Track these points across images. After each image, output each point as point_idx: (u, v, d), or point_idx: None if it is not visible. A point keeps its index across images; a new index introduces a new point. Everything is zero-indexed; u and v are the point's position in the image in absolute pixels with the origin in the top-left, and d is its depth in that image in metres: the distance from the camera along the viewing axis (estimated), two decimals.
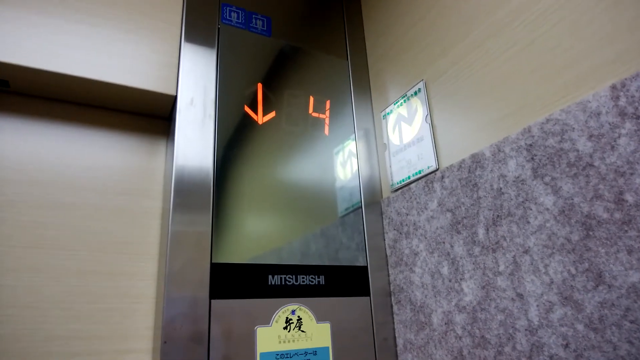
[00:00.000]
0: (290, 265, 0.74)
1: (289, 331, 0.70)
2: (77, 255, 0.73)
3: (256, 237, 0.74)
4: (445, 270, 0.68)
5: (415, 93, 0.81)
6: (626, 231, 0.44)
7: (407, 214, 0.78)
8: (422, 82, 0.79)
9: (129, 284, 0.75)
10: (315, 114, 0.88)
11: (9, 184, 0.71)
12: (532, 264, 0.54)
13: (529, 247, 0.55)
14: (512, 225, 0.57)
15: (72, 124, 0.79)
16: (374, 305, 0.79)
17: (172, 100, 0.79)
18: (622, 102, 0.46)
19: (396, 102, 0.86)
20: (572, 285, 0.49)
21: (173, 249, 0.65)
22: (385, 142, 0.88)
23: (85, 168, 0.78)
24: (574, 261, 0.49)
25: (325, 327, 0.73)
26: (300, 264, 0.75)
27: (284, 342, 0.69)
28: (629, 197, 0.44)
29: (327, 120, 0.89)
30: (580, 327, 0.48)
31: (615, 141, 0.46)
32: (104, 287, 0.73)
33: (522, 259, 0.56)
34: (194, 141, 0.72)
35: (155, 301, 0.75)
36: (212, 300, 0.65)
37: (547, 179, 0.53)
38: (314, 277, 0.76)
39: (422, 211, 0.75)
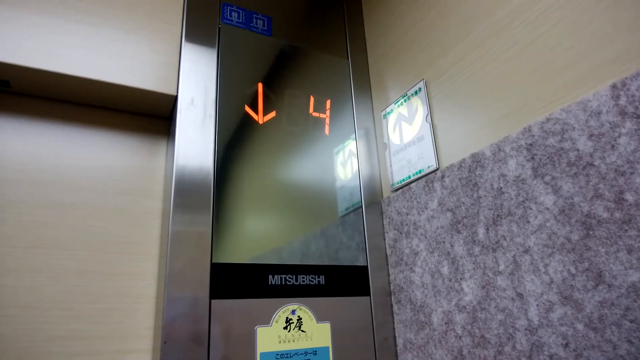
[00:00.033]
0: (291, 265, 0.74)
1: (289, 331, 0.70)
2: (77, 255, 0.73)
3: (256, 237, 0.74)
4: (445, 269, 0.68)
5: (416, 92, 0.81)
6: (626, 230, 0.44)
7: (408, 214, 0.78)
8: (422, 81, 0.79)
9: (130, 284, 0.75)
10: (315, 114, 0.88)
11: (9, 184, 0.71)
12: (532, 263, 0.54)
13: (529, 246, 0.55)
14: (512, 224, 0.57)
15: (72, 124, 0.79)
16: (374, 305, 0.79)
17: (172, 100, 0.79)
18: (623, 101, 0.46)
19: (396, 102, 0.86)
20: (572, 285, 0.49)
21: (173, 249, 0.65)
22: (386, 141, 0.88)
23: (86, 168, 0.78)
24: (574, 261, 0.49)
25: (326, 327, 0.73)
26: (300, 263, 0.75)
27: (284, 342, 0.69)
28: (629, 197, 0.44)
29: (327, 120, 0.89)
30: (580, 326, 0.48)
31: (615, 140, 0.46)
32: (104, 287, 0.73)
33: (522, 258, 0.56)
34: (195, 141, 0.72)
35: (155, 301, 0.75)
36: (213, 300, 0.65)
37: (547, 178, 0.53)
38: (314, 277, 0.76)
39: (423, 211, 0.75)
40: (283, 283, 0.73)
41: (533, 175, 0.55)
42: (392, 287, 0.81)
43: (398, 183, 0.82)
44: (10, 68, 0.67)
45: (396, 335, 0.79)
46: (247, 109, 0.81)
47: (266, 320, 0.69)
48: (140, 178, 0.82)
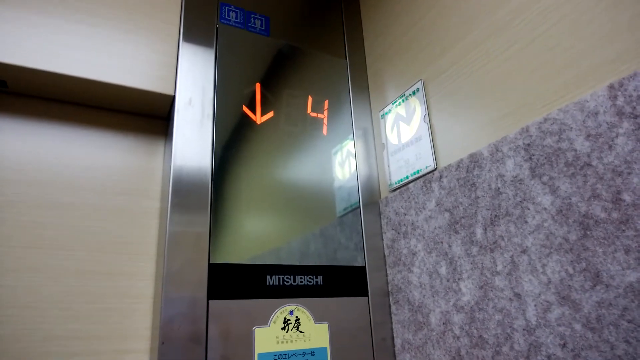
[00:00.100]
0: (289, 266, 0.74)
1: (287, 331, 0.70)
2: (75, 255, 0.73)
3: (254, 237, 0.74)
4: (443, 270, 0.68)
5: (414, 93, 0.81)
6: (623, 231, 0.44)
7: (405, 214, 0.78)
8: (420, 81, 0.79)
9: (128, 284, 0.75)
10: (313, 114, 0.88)
11: (8, 184, 0.71)
12: (529, 263, 0.54)
13: (526, 246, 0.55)
14: (510, 225, 0.57)
15: (70, 124, 0.79)
16: (372, 306, 0.79)
17: (170, 101, 0.79)
18: (620, 101, 0.46)
19: (394, 102, 0.86)
20: (569, 285, 0.49)
21: (171, 249, 0.65)
22: (384, 141, 0.88)
23: (84, 168, 0.78)
24: (571, 261, 0.49)
25: (324, 328, 0.73)
26: (298, 264, 0.75)
27: (282, 342, 0.69)
28: (627, 197, 0.44)
29: (325, 120, 0.89)
30: (577, 326, 0.48)
31: (612, 141, 0.46)
32: (102, 287, 0.73)
33: (519, 258, 0.55)
34: (192, 141, 0.72)
35: (153, 301, 0.75)
36: (210, 301, 0.65)
37: (544, 178, 0.53)
38: (312, 277, 0.75)
39: (420, 211, 0.74)
40: (281, 283, 0.72)
41: (531, 175, 0.55)
42: (390, 288, 0.81)
43: (396, 183, 0.82)
44: (8, 68, 0.67)
45: (394, 335, 0.78)
46: (245, 109, 0.81)
47: (264, 321, 0.69)
48: (139, 178, 0.82)
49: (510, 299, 0.56)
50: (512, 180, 0.58)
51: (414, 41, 0.83)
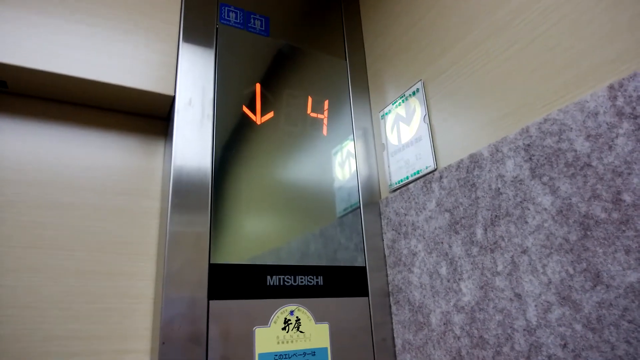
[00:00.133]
0: (289, 266, 0.74)
1: (287, 332, 0.70)
2: (75, 255, 0.73)
3: (255, 237, 0.73)
4: (443, 270, 0.68)
5: (414, 93, 0.81)
6: (624, 231, 0.44)
7: (406, 214, 0.78)
8: (420, 82, 0.79)
9: (128, 284, 0.75)
10: (313, 114, 0.88)
11: (8, 184, 0.71)
12: (530, 264, 0.54)
13: (527, 247, 0.55)
14: (510, 225, 0.57)
15: (70, 125, 0.79)
16: (372, 306, 0.79)
17: (170, 101, 0.79)
18: (620, 102, 0.46)
19: (394, 102, 0.86)
20: (570, 285, 0.49)
21: (171, 249, 0.65)
22: (384, 142, 0.88)
23: (84, 168, 0.78)
24: (572, 261, 0.49)
25: (324, 328, 0.73)
26: (298, 264, 0.75)
27: (283, 342, 0.69)
28: (627, 197, 0.44)
29: (325, 121, 0.89)
30: (578, 327, 0.48)
31: (612, 141, 0.46)
32: (102, 287, 0.73)
33: (520, 259, 0.55)
34: (192, 141, 0.72)
35: (154, 302, 0.75)
36: (211, 301, 0.65)
37: (545, 179, 0.53)
38: (312, 277, 0.75)
39: (421, 211, 0.74)
40: (281, 284, 0.72)
41: (531, 175, 0.55)
42: (390, 288, 0.81)
43: (396, 184, 0.82)
44: (8, 68, 0.67)
45: (394, 335, 0.78)
46: (245, 109, 0.80)
47: (264, 321, 0.69)
48: (139, 178, 0.82)
49: (510, 299, 0.56)
50: (512, 181, 0.58)
51: (414, 41, 0.83)
